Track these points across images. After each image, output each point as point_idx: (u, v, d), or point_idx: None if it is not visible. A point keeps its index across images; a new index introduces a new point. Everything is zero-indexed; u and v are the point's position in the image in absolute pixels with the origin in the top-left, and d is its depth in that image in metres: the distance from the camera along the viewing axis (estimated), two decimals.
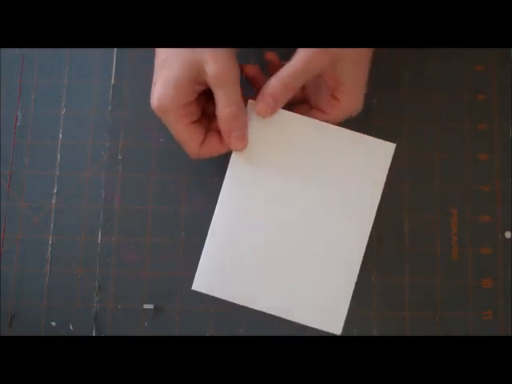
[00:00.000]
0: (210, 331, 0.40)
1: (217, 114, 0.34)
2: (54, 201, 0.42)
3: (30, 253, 0.42)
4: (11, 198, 0.42)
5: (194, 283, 0.35)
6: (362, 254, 0.36)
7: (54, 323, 0.41)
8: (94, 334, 0.40)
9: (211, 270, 0.36)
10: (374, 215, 0.36)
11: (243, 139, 0.35)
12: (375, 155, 0.36)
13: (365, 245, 0.36)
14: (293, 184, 0.36)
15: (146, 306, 0.41)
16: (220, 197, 0.36)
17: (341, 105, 0.36)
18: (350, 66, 0.35)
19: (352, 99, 0.37)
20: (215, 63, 0.33)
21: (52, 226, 0.42)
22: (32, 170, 0.43)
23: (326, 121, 0.37)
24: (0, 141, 0.43)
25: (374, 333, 0.40)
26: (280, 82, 0.35)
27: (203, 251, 0.35)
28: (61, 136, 0.43)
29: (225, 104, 0.34)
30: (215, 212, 0.36)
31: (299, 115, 0.36)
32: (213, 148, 0.36)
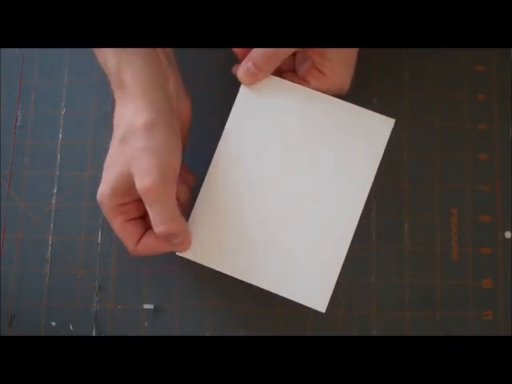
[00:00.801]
0: (209, 331, 0.40)
1: (152, 226, 0.33)
2: (53, 201, 0.42)
3: (30, 253, 0.42)
4: (11, 198, 0.42)
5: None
6: (353, 231, 0.36)
7: (54, 323, 0.41)
8: (94, 334, 0.40)
9: (199, 235, 0.35)
10: (368, 190, 0.36)
11: (184, 244, 0.35)
12: (374, 129, 0.36)
13: (357, 221, 0.36)
14: (288, 153, 0.36)
15: (145, 306, 0.41)
16: (217, 148, 0.36)
17: (327, 79, 0.36)
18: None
19: (338, 77, 0.36)
20: (142, 180, 0.31)
21: (52, 225, 0.42)
22: (32, 170, 0.43)
23: None
24: (0, 141, 0.43)
25: (374, 333, 0.40)
26: (262, 51, 0.35)
27: (194, 208, 0.36)
28: (61, 136, 0.43)
29: (157, 221, 0.32)
30: (212, 161, 0.36)
31: (298, 85, 0.37)
32: (150, 248, 0.35)
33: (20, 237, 0.42)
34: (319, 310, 0.36)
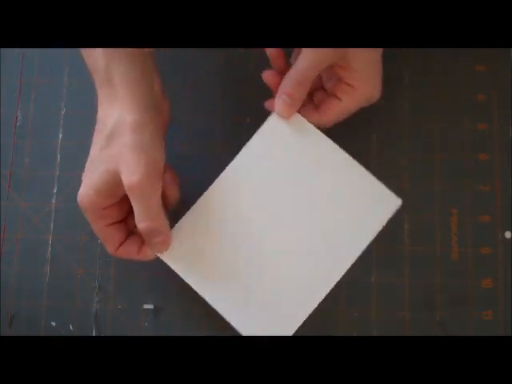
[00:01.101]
0: (209, 331, 0.40)
1: (136, 222, 0.34)
2: (53, 201, 0.42)
3: (29, 253, 0.42)
4: (11, 197, 0.42)
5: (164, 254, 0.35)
6: (329, 289, 0.36)
7: (53, 323, 0.41)
8: (94, 334, 0.40)
9: (184, 247, 0.36)
10: (353, 260, 0.36)
11: (164, 244, 0.35)
12: (379, 203, 0.36)
13: (339, 276, 0.36)
14: (289, 197, 0.36)
15: (145, 306, 0.41)
16: (224, 172, 0.36)
17: (356, 91, 0.36)
18: (361, 53, 0.35)
19: (367, 85, 0.36)
20: (129, 175, 0.32)
21: (52, 226, 0.42)
22: (32, 170, 0.43)
23: (343, 108, 0.36)
24: (0, 141, 0.43)
25: (374, 333, 0.40)
26: (292, 79, 0.35)
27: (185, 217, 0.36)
28: (61, 136, 0.43)
29: (141, 218, 0.33)
30: (211, 186, 0.36)
31: (321, 134, 0.37)
32: (130, 252, 0.35)
33: (20, 237, 0.42)
34: (398, 204, 0.36)
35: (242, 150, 0.37)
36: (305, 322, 0.40)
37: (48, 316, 0.41)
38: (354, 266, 0.41)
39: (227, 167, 0.37)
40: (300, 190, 0.36)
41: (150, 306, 0.41)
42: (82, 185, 0.34)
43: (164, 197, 0.35)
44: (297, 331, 0.38)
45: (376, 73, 0.36)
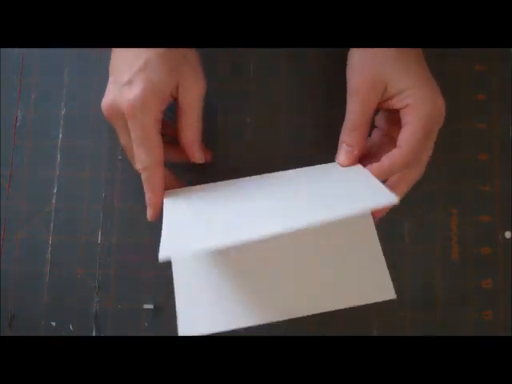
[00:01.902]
0: None
1: (179, 128, 0.36)
2: (54, 201, 0.42)
3: (30, 253, 0.42)
4: (11, 197, 0.42)
5: (179, 329, 0.34)
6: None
7: (53, 323, 0.41)
8: (94, 334, 0.40)
9: (192, 309, 0.35)
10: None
11: (201, 153, 0.37)
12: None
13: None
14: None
15: (145, 306, 0.41)
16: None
17: (414, 109, 0.33)
18: (402, 75, 0.34)
19: (423, 97, 0.33)
20: (194, 84, 0.34)
21: (52, 226, 0.42)
22: (32, 170, 0.43)
23: (409, 140, 0.33)
24: (0, 141, 0.43)
25: (374, 333, 0.40)
26: (346, 128, 0.35)
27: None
28: (61, 136, 0.43)
29: (186, 126, 0.35)
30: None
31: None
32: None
33: (20, 237, 0.42)
34: (391, 297, 0.35)
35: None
36: (305, 321, 0.40)
37: (48, 316, 0.41)
38: None
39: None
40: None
41: (150, 306, 0.41)
42: (139, 87, 0.33)
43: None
44: (297, 331, 0.39)
45: (428, 87, 0.34)
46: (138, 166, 0.35)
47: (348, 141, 0.36)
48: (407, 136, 0.34)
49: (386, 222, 0.41)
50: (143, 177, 0.35)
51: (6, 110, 0.43)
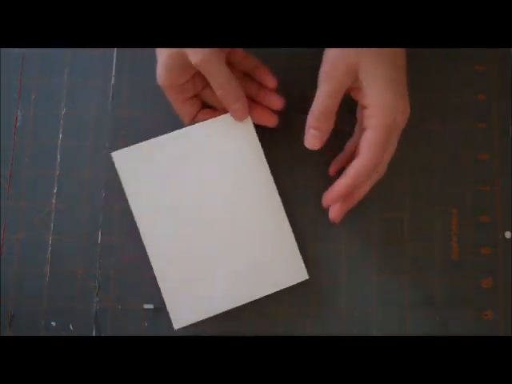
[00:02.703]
0: (209, 331, 0.40)
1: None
2: (54, 201, 0.42)
3: (30, 253, 0.42)
4: (11, 197, 0.42)
5: (173, 324, 0.38)
6: (283, 210, 0.39)
7: (54, 323, 0.41)
8: (94, 334, 0.40)
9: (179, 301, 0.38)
10: (271, 180, 0.39)
11: (243, 110, 0.38)
12: (238, 131, 0.39)
13: (279, 202, 0.39)
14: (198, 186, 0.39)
15: (145, 306, 0.41)
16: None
17: (372, 110, 0.34)
18: (372, 70, 0.34)
19: (381, 100, 0.34)
20: (195, 54, 0.35)
21: (52, 226, 0.42)
22: (32, 170, 0.43)
23: (371, 141, 0.34)
24: (0, 141, 0.43)
25: (374, 333, 0.40)
26: (314, 113, 0.36)
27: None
28: (61, 136, 0.43)
29: (215, 87, 0.37)
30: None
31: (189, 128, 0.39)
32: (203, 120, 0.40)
33: (20, 237, 0.42)
34: (303, 279, 0.38)
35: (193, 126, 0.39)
36: (305, 321, 0.41)
37: (48, 316, 0.41)
38: (354, 265, 0.41)
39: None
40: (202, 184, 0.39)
41: (150, 306, 0.41)
42: (158, 68, 0.37)
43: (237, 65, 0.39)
44: (297, 331, 0.38)
45: (392, 91, 0.34)
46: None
47: (317, 125, 0.36)
48: (367, 144, 0.34)
49: (386, 222, 0.41)
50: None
51: (6, 110, 0.43)
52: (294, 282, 0.38)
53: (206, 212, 0.39)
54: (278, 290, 0.38)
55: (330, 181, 0.37)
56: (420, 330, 0.40)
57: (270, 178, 0.39)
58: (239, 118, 0.39)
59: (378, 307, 0.40)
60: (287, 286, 0.38)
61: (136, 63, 0.44)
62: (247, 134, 0.39)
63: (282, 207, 0.39)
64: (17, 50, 0.44)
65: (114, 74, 0.44)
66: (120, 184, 0.39)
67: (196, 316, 0.38)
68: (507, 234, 0.41)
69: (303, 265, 0.38)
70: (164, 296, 0.38)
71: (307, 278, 0.38)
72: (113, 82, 0.43)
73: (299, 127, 0.37)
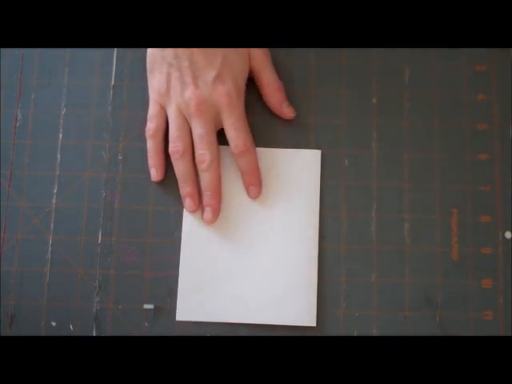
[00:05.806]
0: (209, 331, 0.40)
1: (265, 89, 0.40)
2: (54, 201, 0.42)
3: (30, 253, 0.42)
4: (11, 197, 0.42)
5: (177, 315, 0.39)
6: (317, 249, 0.40)
7: (54, 323, 0.41)
8: (94, 334, 0.40)
9: (190, 297, 0.39)
10: (317, 213, 0.40)
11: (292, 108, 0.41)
12: (304, 164, 0.40)
13: (317, 240, 0.40)
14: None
15: (145, 306, 0.41)
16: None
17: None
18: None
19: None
20: (258, 50, 0.39)
21: (52, 226, 0.42)
22: (32, 170, 0.43)
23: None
24: (0, 141, 0.43)
25: (374, 333, 0.40)
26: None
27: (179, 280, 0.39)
28: (61, 136, 0.43)
29: (272, 80, 0.40)
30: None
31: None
32: None
33: (20, 237, 0.42)
34: (310, 324, 0.39)
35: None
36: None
37: (48, 316, 0.41)
38: (354, 265, 0.41)
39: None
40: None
41: (150, 306, 0.41)
42: (228, 82, 0.38)
43: None
44: (297, 331, 0.38)
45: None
46: (240, 149, 0.38)
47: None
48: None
49: (386, 222, 0.41)
50: (244, 159, 0.39)
51: (6, 110, 0.43)
52: (301, 324, 0.39)
53: (246, 229, 0.40)
54: (282, 324, 0.39)
55: None
56: (420, 331, 0.40)
57: (317, 222, 0.40)
58: (289, 117, 0.41)
59: (377, 307, 0.40)
60: (293, 324, 0.39)
61: (136, 63, 0.43)
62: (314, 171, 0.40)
63: (317, 256, 0.40)
64: (17, 50, 0.44)
65: (114, 73, 0.44)
66: (120, 184, 0.39)
67: (200, 317, 0.39)
68: (507, 234, 0.41)
69: (315, 313, 0.39)
70: (179, 287, 0.39)
71: (315, 325, 0.39)
72: (113, 82, 0.43)
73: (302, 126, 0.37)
